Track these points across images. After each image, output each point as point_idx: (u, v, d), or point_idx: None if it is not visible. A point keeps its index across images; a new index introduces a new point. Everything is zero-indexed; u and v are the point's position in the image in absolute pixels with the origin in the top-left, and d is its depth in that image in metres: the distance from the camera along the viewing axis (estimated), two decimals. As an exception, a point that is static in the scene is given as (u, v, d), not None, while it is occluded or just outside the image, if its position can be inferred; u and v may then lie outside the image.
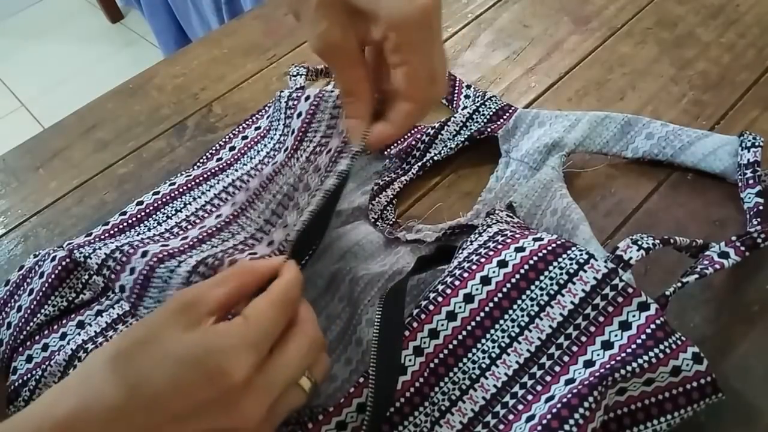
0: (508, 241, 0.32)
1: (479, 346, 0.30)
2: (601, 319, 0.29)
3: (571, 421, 0.26)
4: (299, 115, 0.42)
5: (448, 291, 0.31)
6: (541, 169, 0.41)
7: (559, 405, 0.27)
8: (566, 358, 0.29)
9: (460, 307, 0.30)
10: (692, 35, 0.51)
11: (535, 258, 0.31)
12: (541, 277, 0.30)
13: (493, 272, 0.31)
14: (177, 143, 0.51)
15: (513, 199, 0.39)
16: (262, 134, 0.47)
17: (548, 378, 0.29)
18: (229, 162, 0.45)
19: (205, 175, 0.44)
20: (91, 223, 0.46)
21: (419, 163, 0.44)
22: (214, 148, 0.48)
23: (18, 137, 0.55)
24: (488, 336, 0.30)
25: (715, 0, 0.54)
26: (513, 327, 0.30)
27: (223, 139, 0.48)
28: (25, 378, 0.36)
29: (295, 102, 0.43)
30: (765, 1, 0.53)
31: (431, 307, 0.31)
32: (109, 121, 0.54)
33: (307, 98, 0.42)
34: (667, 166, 0.42)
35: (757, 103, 0.45)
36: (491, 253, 0.32)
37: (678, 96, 0.47)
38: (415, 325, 0.30)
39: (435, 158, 0.44)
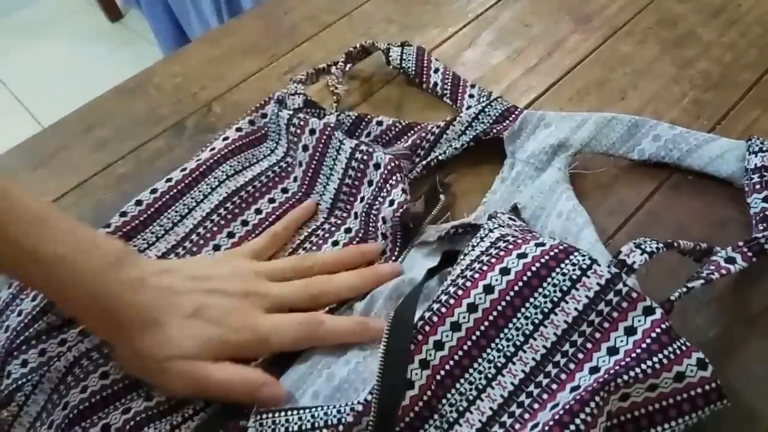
0: (510, 247, 0.32)
1: (485, 355, 0.30)
2: (606, 325, 0.29)
3: (572, 427, 0.26)
4: (305, 148, 0.43)
5: (452, 301, 0.31)
6: (547, 170, 0.41)
7: (561, 411, 0.27)
8: (572, 366, 0.29)
9: (464, 318, 0.30)
10: (693, 34, 0.51)
11: (538, 264, 0.30)
12: (544, 284, 0.30)
13: (496, 280, 0.31)
14: (176, 143, 0.51)
15: (518, 201, 0.39)
16: (256, 137, 0.47)
17: (554, 386, 0.29)
18: (223, 154, 0.45)
19: (201, 169, 0.44)
20: (90, 223, 0.46)
21: (423, 162, 0.44)
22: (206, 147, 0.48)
23: (16, 137, 0.55)
24: (493, 345, 0.30)
25: (717, -1, 0.54)
26: (517, 336, 0.30)
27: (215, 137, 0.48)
28: (19, 383, 0.36)
29: (298, 131, 0.44)
30: (766, 0, 0.53)
31: (435, 319, 0.30)
32: (108, 120, 0.53)
33: (312, 131, 0.43)
34: (669, 166, 0.41)
35: (759, 102, 0.45)
36: (493, 260, 0.31)
37: (679, 96, 0.47)
38: (419, 337, 0.30)
39: (439, 158, 0.44)
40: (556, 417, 0.27)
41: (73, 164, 0.50)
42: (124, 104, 0.55)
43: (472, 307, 0.30)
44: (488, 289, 0.30)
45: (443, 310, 0.30)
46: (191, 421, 0.33)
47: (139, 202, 0.43)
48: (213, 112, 0.53)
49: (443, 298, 0.31)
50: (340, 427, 0.29)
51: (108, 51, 1.90)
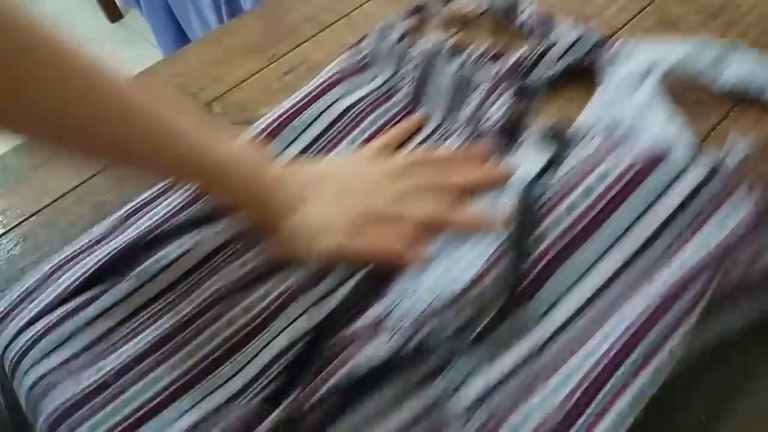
0: (613, 149, 0.36)
1: (596, 236, 0.35)
2: (708, 211, 0.34)
3: (687, 297, 0.31)
4: (411, 69, 0.48)
5: (567, 188, 0.36)
6: (640, 88, 0.43)
7: (670, 285, 0.31)
8: (675, 247, 0.33)
9: (578, 201, 0.35)
10: (693, 36, 0.51)
11: (644, 160, 0.35)
12: (649, 178, 0.35)
13: (607, 170, 0.36)
14: (177, 143, 0.51)
15: (610, 123, 0.41)
16: (358, 68, 0.50)
17: (656, 267, 0.33)
18: (328, 84, 0.49)
19: (309, 98, 0.48)
20: (90, 224, 0.46)
21: (518, 86, 0.46)
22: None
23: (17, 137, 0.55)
24: (606, 224, 0.35)
25: (716, 0, 0.54)
26: (626, 220, 0.34)
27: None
28: (154, 268, 0.39)
29: (403, 54, 0.49)
30: (766, 1, 0.53)
31: (553, 203, 0.36)
32: (108, 120, 0.53)
33: (418, 53, 0.48)
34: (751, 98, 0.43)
35: (757, 103, 0.45)
36: (600, 154, 0.36)
37: (678, 97, 0.47)
38: (538, 217, 0.35)
39: (535, 83, 0.46)
40: (664, 291, 0.31)
41: (73, 164, 0.51)
42: (124, 104, 0.55)
43: (587, 191, 0.35)
44: (602, 177, 0.35)
45: (561, 194, 0.36)
46: (327, 299, 0.37)
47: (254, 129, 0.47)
48: (213, 113, 0.53)
49: (558, 186, 0.36)
50: (468, 284, 0.33)
51: (108, 51, 1.90)
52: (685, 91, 0.43)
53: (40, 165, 0.51)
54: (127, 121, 0.33)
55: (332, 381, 0.32)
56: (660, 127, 0.40)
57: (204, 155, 0.36)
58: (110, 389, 0.35)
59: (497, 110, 0.42)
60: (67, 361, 0.37)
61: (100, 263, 0.40)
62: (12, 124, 0.31)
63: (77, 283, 0.39)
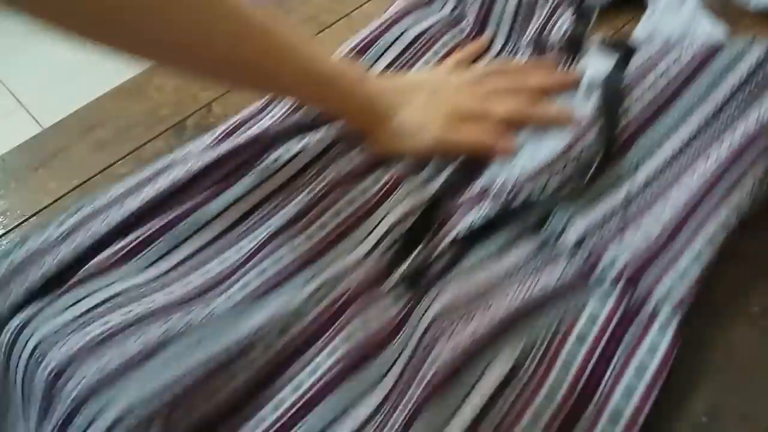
0: (674, 47, 0.41)
1: (671, 109, 0.40)
2: (765, 85, 0.39)
3: (744, 162, 0.37)
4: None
5: (643, 72, 0.41)
6: (683, 5, 0.47)
7: (729, 151, 0.37)
8: (739, 115, 0.39)
9: (654, 83, 0.41)
10: None
11: (707, 48, 0.41)
12: (712, 62, 0.40)
13: (678, 58, 0.41)
14: (176, 143, 0.51)
15: (662, 36, 0.45)
16: (423, 2, 0.54)
17: (724, 133, 0.39)
18: (396, 18, 0.53)
19: (380, 30, 0.52)
20: (90, 224, 0.46)
21: (575, 6, 0.50)
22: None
23: (17, 137, 0.55)
24: (680, 99, 0.40)
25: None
26: (691, 100, 0.40)
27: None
28: (280, 160, 0.44)
29: None
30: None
31: (633, 86, 0.41)
32: (108, 121, 0.53)
33: None
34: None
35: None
36: (659, 54, 0.42)
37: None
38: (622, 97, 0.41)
39: (590, 8, 0.50)
40: (733, 150, 0.37)
41: (73, 165, 0.51)
42: (124, 105, 0.55)
43: (662, 74, 0.41)
44: (674, 61, 0.41)
45: (638, 78, 0.41)
46: (430, 183, 0.42)
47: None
48: (213, 113, 0.53)
49: (634, 74, 0.41)
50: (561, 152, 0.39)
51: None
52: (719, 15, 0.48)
53: (40, 166, 0.51)
54: (247, 39, 0.37)
55: (449, 238, 0.39)
56: (708, 33, 0.45)
57: (315, 68, 0.41)
58: (241, 270, 0.39)
59: (559, 30, 0.47)
60: (185, 259, 0.41)
61: (206, 165, 0.43)
62: (145, 49, 0.37)
63: (173, 188, 0.43)
